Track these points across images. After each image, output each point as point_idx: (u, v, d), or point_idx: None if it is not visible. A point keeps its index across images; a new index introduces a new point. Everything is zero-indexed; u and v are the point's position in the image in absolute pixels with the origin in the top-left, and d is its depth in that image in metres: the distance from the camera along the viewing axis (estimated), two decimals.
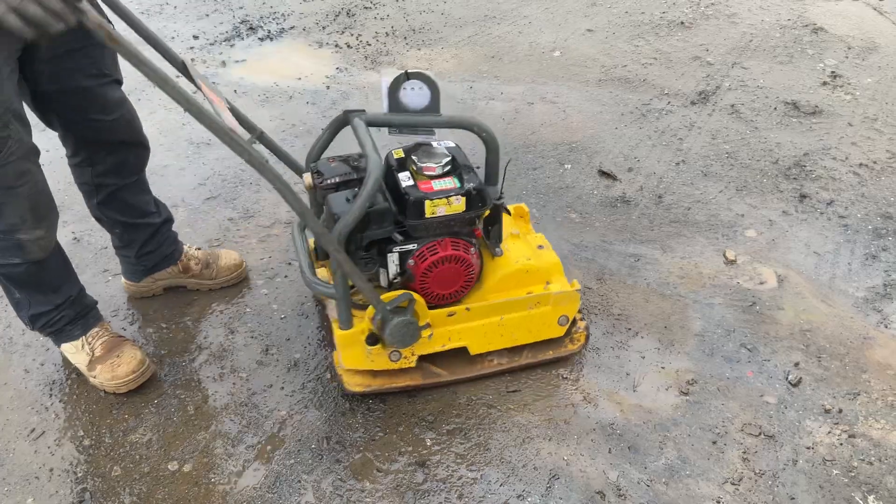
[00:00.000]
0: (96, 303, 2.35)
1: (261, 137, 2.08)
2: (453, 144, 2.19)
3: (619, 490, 1.96)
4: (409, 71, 2.02)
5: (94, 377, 2.26)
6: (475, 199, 2.06)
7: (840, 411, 2.15)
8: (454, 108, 3.57)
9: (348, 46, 4.12)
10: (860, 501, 1.93)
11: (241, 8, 4.64)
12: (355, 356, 2.16)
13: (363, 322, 2.10)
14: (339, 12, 4.47)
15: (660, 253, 2.71)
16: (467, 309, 2.16)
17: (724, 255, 2.69)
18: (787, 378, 2.24)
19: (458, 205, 2.04)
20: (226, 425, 2.17)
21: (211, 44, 4.19)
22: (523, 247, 2.29)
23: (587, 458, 2.05)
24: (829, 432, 2.09)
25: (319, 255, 2.29)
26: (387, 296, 2.05)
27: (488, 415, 2.18)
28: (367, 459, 2.07)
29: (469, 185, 2.05)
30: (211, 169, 3.19)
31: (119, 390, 2.26)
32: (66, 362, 2.36)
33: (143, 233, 2.43)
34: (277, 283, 2.65)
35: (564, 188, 3.06)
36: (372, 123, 2.05)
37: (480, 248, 2.19)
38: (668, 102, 3.57)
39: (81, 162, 2.24)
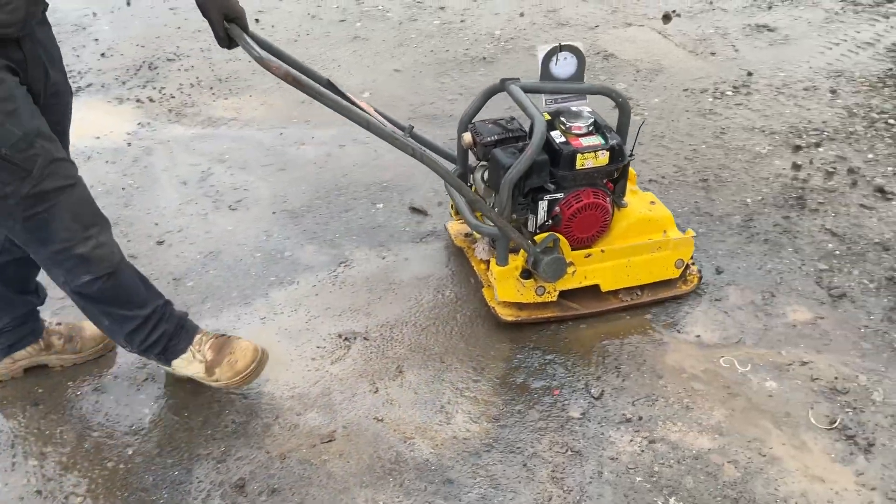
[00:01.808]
0: (186, 313, 2.33)
1: (412, 132, 2.40)
2: (590, 108, 2.53)
3: None
4: (562, 43, 2.44)
5: (217, 380, 2.27)
6: (616, 154, 2.43)
7: (640, 418, 2.25)
8: (264, 156, 3.52)
9: (150, 100, 3.98)
10: None
11: None
12: (508, 289, 2.49)
13: (517, 259, 2.45)
14: (141, 66, 4.32)
15: (473, 286, 2.76)
16: (602, 251, 2.52)
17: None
18: (589, 391, 2.33)
19: (603, 158, 2.42)
20: None
21: None
22: (639, 201, 2.64)
23: (403, 499, 2.03)
24: (631, 440, 2.18)
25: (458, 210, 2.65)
26: (536, 237, 2.40)
27: (303, 470, 2.12)
28: None
29: (613, 142, 2.42)
30: None
31: (244, 383, 2.29)
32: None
33: (14, 310, 2.33)
34: None
35: (377, 227, 3.07)
36: (527, 90, 2.45)
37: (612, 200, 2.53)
38: None
39: None
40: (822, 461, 2.12)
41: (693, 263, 2.72)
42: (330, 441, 2.20)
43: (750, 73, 4.09)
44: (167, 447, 2.20)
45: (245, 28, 2.09)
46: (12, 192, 1.84)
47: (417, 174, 3.38)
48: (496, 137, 2.51)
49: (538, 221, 2.47)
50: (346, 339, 2.54)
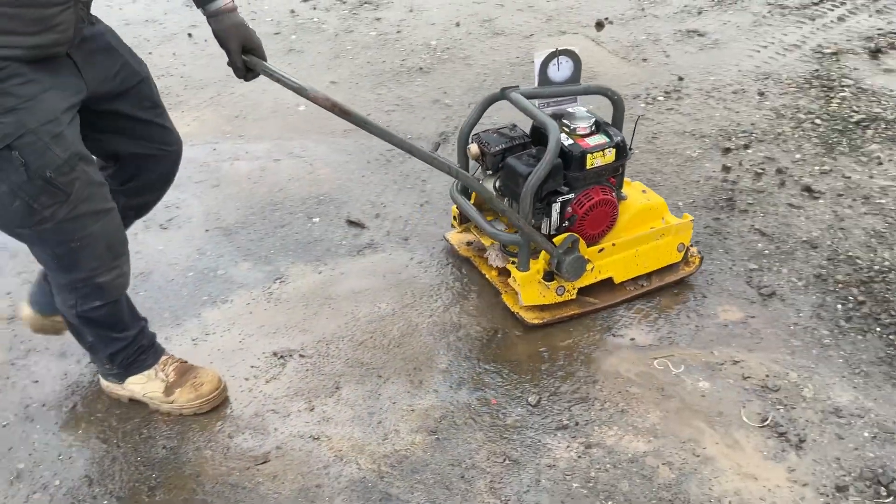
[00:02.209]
0: (155, 334, 2.34)
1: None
2: (585, 108, 2.63)
3: None
4: (558, 48, 2.51)
5: (172, 401, 2.26)
6: (621, 149, 2.53)
7: (577, 424, 2.25)
8: (197, 173, 3.46)
9: None
10: None
11: None
12: (531, 293, 2.55)
13: (538, 264, 2.52)
14: None
15: (409, 297, 2.75)
16: (613, 244, 2.61)
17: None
18: (526, 399, 2.32)
19: (610, 155, 2.50)
20: None
21: None
22: (634, 192, 2.74)
23: None
24: (568, 446, 2.19)
25: (462, 220, 2.87)
26: (556, 240, 2.48)
27: (235, 494, 2.07)
28: None
29: (617, 139, 2.52)
30: None
31: (202, 409, 2.28)
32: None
33: None
34: None
35: (313, 242, 3.04)
36: (528, 96, 2.50)
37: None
38: None
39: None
40: (755, 459, 2.15)
41: (692, 246, 2.81)
42: (264, 462, 2.16)
43: (681, 78, 4.16)
44: (95, 477, 2.13)
45: (263, 58, 2.11)
46: (50, 215, 1.84)
47: (354, 187, 3.36)
48: (504, 146, 2.56)
49: (552, 223, 2.53)
50: (280, 357, 2.50)
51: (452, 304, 2.70)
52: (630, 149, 2.60)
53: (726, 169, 3.38)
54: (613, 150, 2.50)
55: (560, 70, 2.54)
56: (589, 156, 2.46)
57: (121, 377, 2.28)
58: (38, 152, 1.76)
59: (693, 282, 2.77)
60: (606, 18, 4.88)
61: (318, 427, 2.26)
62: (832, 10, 5.00)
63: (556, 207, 2.50)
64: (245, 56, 2.08)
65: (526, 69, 4.31)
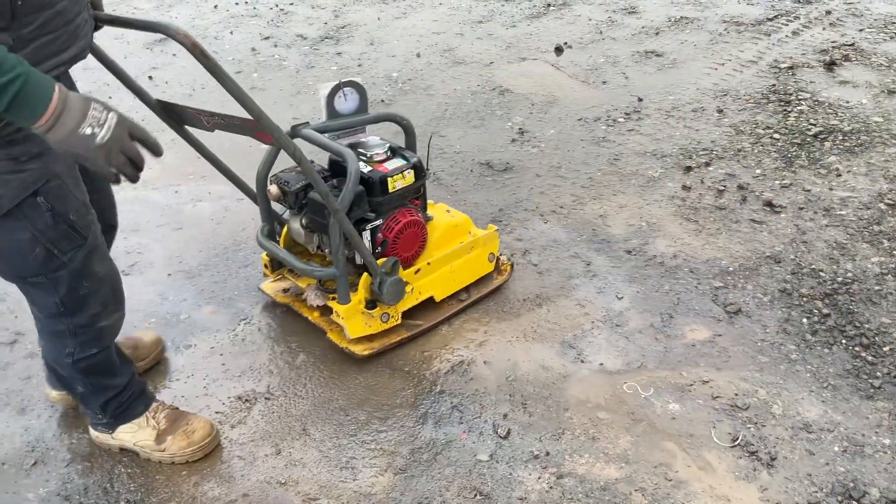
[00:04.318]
0: (146, 381, 2.33)
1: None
2: (378, 137, 2.66)
3: None
4: (342, 81, 2.52)
5: (163, 450, 2.23)
6: (419, 170, 2.58)
7: (547, 454, 2.23)
8: (159, 217, 3.43)
9: None
10: None
11: None
12: (357, 325, 2.54)
13: (358, 294, 2.50)
14: None
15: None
16: (428, 263, 2.66)
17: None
18: (496, 432, 2.30)
19: (410, 177, 2.54)
20: None
21: None
22: (439, 211, 2.82)
23: None
24: (539, 478, 2.16)
25: (274, 267, 2.82)
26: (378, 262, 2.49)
27: None
28: None
29: (413, 160, 2.56)
30: None
31: (194, 457, 2.24)
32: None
33: None
34: None
35: None
36: (319, 131, 2.48)
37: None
38: None
39: None
40: (727, 480, 2.13)
41: (501, 255, 2.93)
42: None
43: (640, 99, 4.20)
44: None
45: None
46: (69, 260, 1.85)
47: None
48: (304, 182, 2.52)
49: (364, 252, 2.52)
50: (246, 401, 2.46)
51: (427, 337, 2.68)
52: (427, 169, 2.62)
53: (686, 188, 3.40)
54: (412, 171, 2.54)
55: (347, 101, 2.55)
56: (390, 179, 2.48)
57: (111, 426, 2.25)
58: (62, 197, 1.79)
59: (660, 303, 2.77)
60: (565, 43, 4.93)
61: (285, 471, 2.22)
62: (787, 25, 5.10)
63: (366, 235, 2.50)
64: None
65: (487, 97, 4.34)
